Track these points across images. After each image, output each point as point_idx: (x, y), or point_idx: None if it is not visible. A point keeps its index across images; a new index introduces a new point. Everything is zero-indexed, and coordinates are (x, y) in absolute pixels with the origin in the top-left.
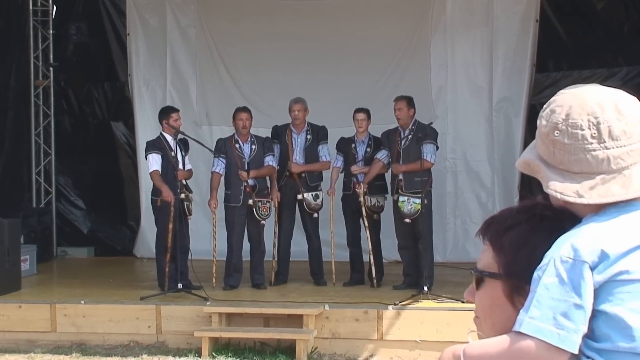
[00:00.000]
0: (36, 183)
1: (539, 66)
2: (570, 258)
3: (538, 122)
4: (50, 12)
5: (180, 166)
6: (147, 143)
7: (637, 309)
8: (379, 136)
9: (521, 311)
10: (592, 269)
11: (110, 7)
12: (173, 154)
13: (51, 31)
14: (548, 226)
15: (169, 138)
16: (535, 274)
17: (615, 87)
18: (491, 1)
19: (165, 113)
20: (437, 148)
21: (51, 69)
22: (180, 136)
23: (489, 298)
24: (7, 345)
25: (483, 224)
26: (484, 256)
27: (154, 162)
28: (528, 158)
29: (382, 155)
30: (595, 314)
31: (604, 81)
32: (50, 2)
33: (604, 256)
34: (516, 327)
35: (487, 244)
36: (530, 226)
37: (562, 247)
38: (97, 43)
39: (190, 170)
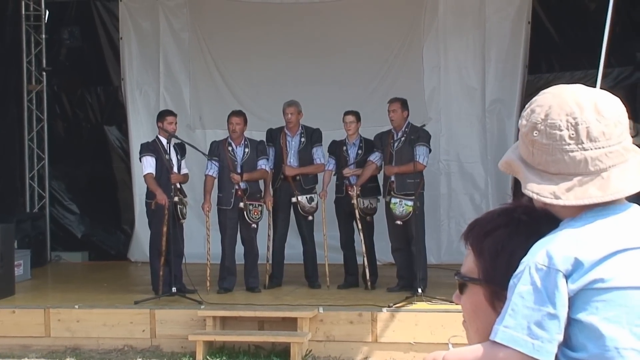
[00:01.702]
0: (30, 188)
1: (532, 67)
2: (544, 266)
3: (519, 121)
4: (43, 16)
5: (175, 169)
6: (141, 145)
7: (611, 318)
8: (371, 138)
9: (497, 320)
10: (567, 277)
11: (103, 11)
12: (167, 157)
13: (44, 36)
14: (525, 230)
15: (164, 141)
16: (511, 281)
17: (608, 88)
18: (483, 3)
19: (161, 116)
20: (430, 150)
21: (44, 73)
22: (175, 140)
23: (472, 303)
24: (1, 350)
25: (467, 227)
26: (467, 260)
27: (148, 164)
28: (509, 158)
29: (375, 157)
30: (571, 322)
31: (596, 82)
32: (43, 6)
33: (577, 264)
34: (492, 336)
35: (469, 248)
36: (508, 231)
37: (538, 254)
38: (90, 47)
39: (186, 175)
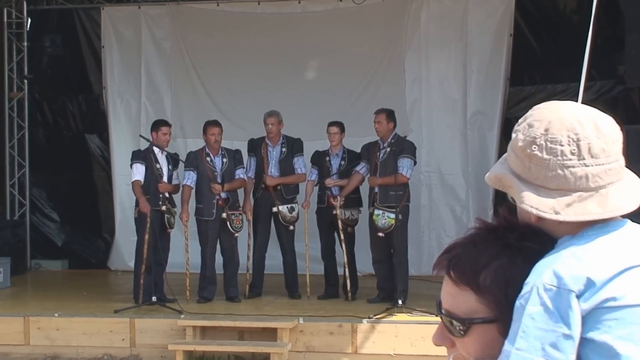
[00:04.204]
0: (10, 195)
1: (513, 80)
2: (554, 286)
3: (513, 135)
4: (25, 24)
5: (166, 179)
6: (133, 153)
7: (625, 336)
8: (354, 149)
9: (506, 342)
10: (579, 297)
11: (85, 19)
12: (158, 165)
13: (26, 43)
14: (527, 254)
15: (157, 150)
16: (517, 303)
17: (590, 101)
18: (465, 16)
19: (155, 125)
20: (415, 163)
21: (25, 81)
22: (169, 150)
23: (481, 342)
24: None
25: (446, 262)
26: (460, 300)
27: (137, 172)
28: (499, 172)
29: (361, 167)
30: (583, 341)
31: (577, 95)
32: (25, 14)
33: (590, 284)
34: (503, 359)
35: (459, 287)
36: (509, 259)
37: (544, 274)
38: (72, 55)
39: (176, 185)
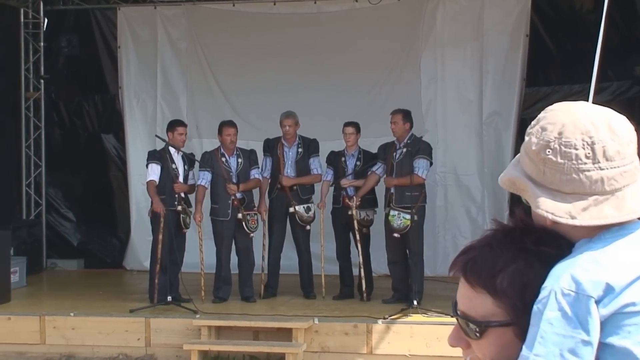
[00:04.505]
0: (26, 195)
1: (529, 80)
2: (572, 291)
3: (526, 138)
4: (42, 24)
5: (181, 179)
6: (149, 153)
7: None
8: (370, 149)
9: (524, 347)
10: (597, 302)
11: (102, 19)
12: (174, 166)
13: (42, 43)
14: (544, 258)
15: (172, 150)
16: (535, 307)
17: (606, 102)
18: (481, 16)
19: (171, 125)
20: (431, 164)
21: (42, 81)
22: (185, 150)
23: (497, 345)
24: None
25: (461, 263)
26: (478, 304)
27: (152, 172)
28: (513, 175)
29: (377, 167)
30: (602, 347)
31: (594, 96)
32: (42, 14)
33: (609, 289)
34: None
35: (475, 290)
36: (525, 262)
37: (562, 279)
38: (88, 55)
39: (192, 185)
